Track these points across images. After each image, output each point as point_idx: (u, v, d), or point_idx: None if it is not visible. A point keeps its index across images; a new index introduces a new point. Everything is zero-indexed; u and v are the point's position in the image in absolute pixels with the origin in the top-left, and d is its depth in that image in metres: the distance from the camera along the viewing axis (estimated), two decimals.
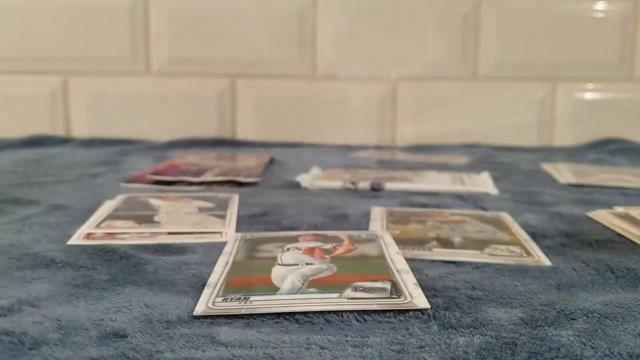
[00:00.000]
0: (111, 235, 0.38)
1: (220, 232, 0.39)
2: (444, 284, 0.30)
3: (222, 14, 0.90)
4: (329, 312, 0.26)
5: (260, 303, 0.27)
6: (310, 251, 0.34)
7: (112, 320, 0.25)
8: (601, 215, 0.45)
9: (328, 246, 0.35)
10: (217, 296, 0.28)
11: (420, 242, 0.37)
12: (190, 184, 0.56)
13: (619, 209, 0.46)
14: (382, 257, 0.33)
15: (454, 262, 0.34)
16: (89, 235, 0.38)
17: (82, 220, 0.42)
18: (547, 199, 0.51)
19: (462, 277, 0.31)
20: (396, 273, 0.30)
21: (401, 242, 0.37)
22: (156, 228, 0.40)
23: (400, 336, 0.24)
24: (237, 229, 0.40)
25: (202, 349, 0.23)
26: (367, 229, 0.41)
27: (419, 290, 0.28)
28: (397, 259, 0.33)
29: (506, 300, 0.28)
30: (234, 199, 0.48)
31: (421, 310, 0.26)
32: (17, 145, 0.81)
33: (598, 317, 0.26)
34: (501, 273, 0.32)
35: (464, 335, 0.24)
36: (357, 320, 0.26)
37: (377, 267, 0.32)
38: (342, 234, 0.38)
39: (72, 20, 0.90)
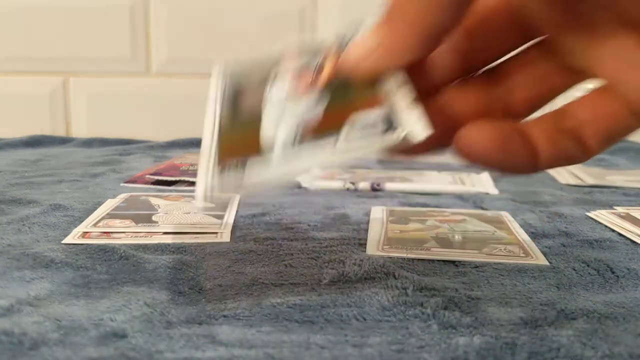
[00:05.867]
0: (107, 234, 0.38)
1: (216, 233, 0.39)
2: (443, 284, 0.30)
3: (222, 14, 0.90)
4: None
5: (255, 171, 0.25)
6: (298, 78, 0.29)
7: (111, 320, 0.25)
8: (601, 215, 0.45)
9: (314, 63, 0.29)
10: (214, 164, 0.26)
11: (420, 242, 0.37)
12: (191, 184, 0.56)
13: (620, 209, 0.46)
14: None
15: (453, 262, 0.34)
16: (84, 234, 0.38)
17: (82, 220, 0.42)
18: (547, 199, 0.51)
19: (461, 276, 0.31)
20: (391, 93, 0.26)
21: (401, 242, 0.37)
22: (153, 228, 0.40)
23: (400, 336, 0.24)
24: (235, 229, 0.40)
25: (202, 349, 0.23)
26: (367, 229, 0.41)
27: (416, 113, 0.25)
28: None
29: (506, 300, 0.28)
30: (234, 199, 0.48)
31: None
32: (17, 145, 0.81)
33: (598, 317, 0.26)
34: (500, 273, 0.32)
35: (463, 335, 0.24)
36: (357, 320, 0.26)
37: (370, 88, 0.26)
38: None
39: (72, 20, 0.90)
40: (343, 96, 0.27)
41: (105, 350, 0.22)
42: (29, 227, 0.40)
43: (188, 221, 0.41)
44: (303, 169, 0.25)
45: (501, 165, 0.25)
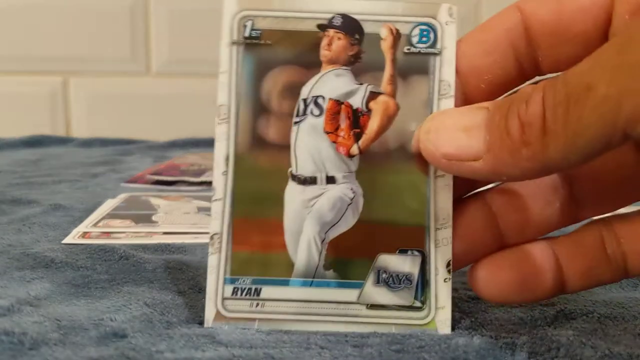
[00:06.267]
0: (107, 234, 0.38)
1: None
2: None
3: (222, 14, 0.90)
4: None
5: (272, 305, 0.24)
6: (335, 116, 0.24)
7: (111, 320, 0.25)
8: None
9: (358, 101, 0.24)
10: (224, 282, 0.24)
11: None
12: (190, 184, 0.56)
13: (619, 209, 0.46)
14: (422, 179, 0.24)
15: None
16: (85, 234, 0.38)
17: (82, 220, 0.42)
18: None
19: (461, 277, 0.31)
20: (432, 232, 0.24)
21: None
22: (152, 228, 0.40)
23: (400, 336, 0.24)
24: None
25: (202, 349, 0.23)
26: None
27: (448, 293, 0.24)
28: (441, 185, 0.24)
29: None
30: None
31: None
32: (17, 145, 0.81)
33: (598, 317, 0.26)
34: None
35: (463, 336, 0.24)
36: None
37: (413, 210, 0.24)
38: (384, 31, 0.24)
39: (72, 20, 0.90)
40: (379, 203, 0.24)
41: (105, 350, 0.22)
42: (29, 227, 0.40)
43: (188, 221, 0.41)
44: (321, 327, 0.24)
45: (520, 301, 0.24)
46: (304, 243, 0.24)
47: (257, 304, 0.24)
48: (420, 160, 0.23)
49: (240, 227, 0.24)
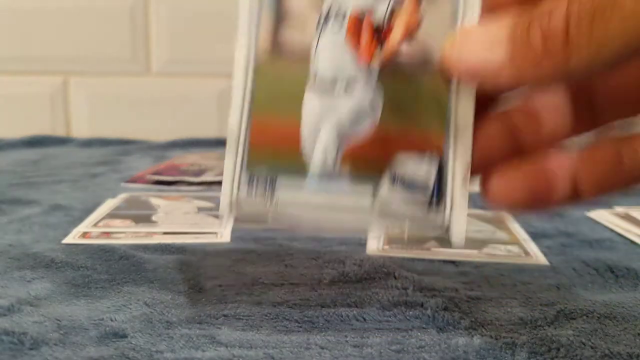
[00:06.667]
0: (107, 234, 0.38)
1: (215, 233, 0.39)
2: (443, 284, 0.30)
3: (222, 14, 0.90)
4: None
5: (286, 198, 0.23)
6: (356, 32, 0.24)
7: (111, 320, 0.25)
8: (601, 215, 0.45)
9: (381, 14, 0.24)
10: (241, 171, 0.24)
11: (420, 242, 0.37)
12: (190, 184, 0.56)
13: (619, 209, 0.46)
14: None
15: (452, 262, 0.34)
16: (85, 234, 0.38)
17: (82, 220, 0.42)
18: None
19: (461, 276, 0.31)
20: (452, 138, 0.23)
21: (400, 241, 0.37)
22: (153, 228, 0.40)
23: (400, 336, 0.24)
24: (234, 230, 0.40)
25: (202, 349, 0.23)
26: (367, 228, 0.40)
27: (464, 199, 0.23)
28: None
29: (505, 300, 0.28)
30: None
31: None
32: (17, 145, 0.81)
33: (598, 317, 0.26)
34: (500, 272, 0.32)
35: (463, 336, 0.24)
36: (357, 320, 0.26)
37: (433, 117, 0.24)
38: None
39: (72, 20, 0.90)
40: (399, 108, 0.24)
41: (105, 350, 0.22)
42: (30, 227, 0.40)
43: (188, 221, 0.41)
44: (338, 221, 0.23)
45: (532, 209, 0.24)
46: (319, 150, 0.24)
47: (271, 203, 0.24)
48: (444, 74, 0.23)
49: (259, 126, 0.24)
